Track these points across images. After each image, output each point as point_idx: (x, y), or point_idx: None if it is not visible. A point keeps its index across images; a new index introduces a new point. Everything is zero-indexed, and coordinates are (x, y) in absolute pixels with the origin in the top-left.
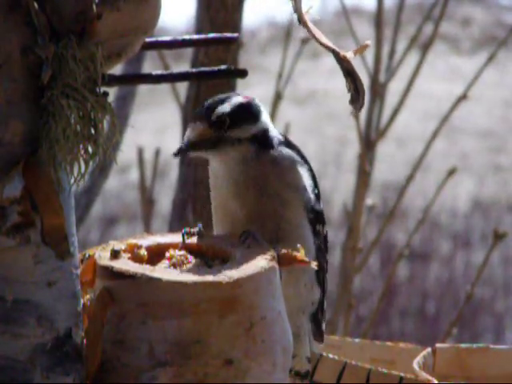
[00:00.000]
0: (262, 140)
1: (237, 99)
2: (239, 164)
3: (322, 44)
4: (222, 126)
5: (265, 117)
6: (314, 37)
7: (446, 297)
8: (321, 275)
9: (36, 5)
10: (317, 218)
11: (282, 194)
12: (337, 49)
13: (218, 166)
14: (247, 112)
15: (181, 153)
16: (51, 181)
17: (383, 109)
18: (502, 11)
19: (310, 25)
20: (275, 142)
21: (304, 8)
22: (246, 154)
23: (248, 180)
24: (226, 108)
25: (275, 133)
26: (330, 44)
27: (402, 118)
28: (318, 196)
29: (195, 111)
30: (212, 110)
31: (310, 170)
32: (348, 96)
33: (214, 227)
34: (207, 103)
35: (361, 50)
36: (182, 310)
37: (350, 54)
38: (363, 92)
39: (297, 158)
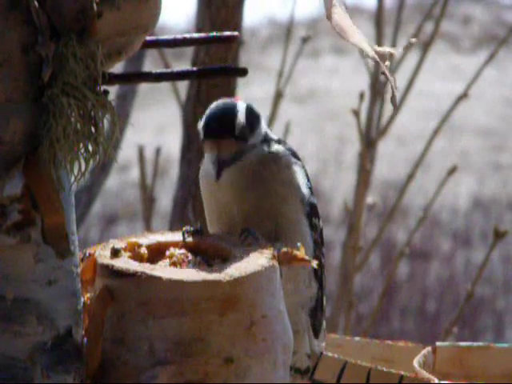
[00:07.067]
0: (265, 141)
1: (241, 106)
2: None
3: (352, 43)
4: (245, 138)
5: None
6: (343, 35)
7: (446, 295)
8: (318, 270)
9: (36, 3)
10: (312, 212)
11: (279, 190)
12: (368, 48)
13: (212, 167)
14: (255, 116)
15: (220, 175)
16: (51, 179)
17: (384, 107)
18: (502, 10)
19: (344, 22)
20: (274, 140)
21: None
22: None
23: (247, 178)
24: (241, 118)
25: (269, 131)
26: (359, 43)
27: (403, 117)
28: (311, 190)
29: (207, 127)
30: (230, 123)
31: (303, 166)
32: (347, 95)
33: (209, 228)
34: (215, 115)
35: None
36: (182, 308)
37: (379, 52)
38: (394, 89)
39: (291, 156)
